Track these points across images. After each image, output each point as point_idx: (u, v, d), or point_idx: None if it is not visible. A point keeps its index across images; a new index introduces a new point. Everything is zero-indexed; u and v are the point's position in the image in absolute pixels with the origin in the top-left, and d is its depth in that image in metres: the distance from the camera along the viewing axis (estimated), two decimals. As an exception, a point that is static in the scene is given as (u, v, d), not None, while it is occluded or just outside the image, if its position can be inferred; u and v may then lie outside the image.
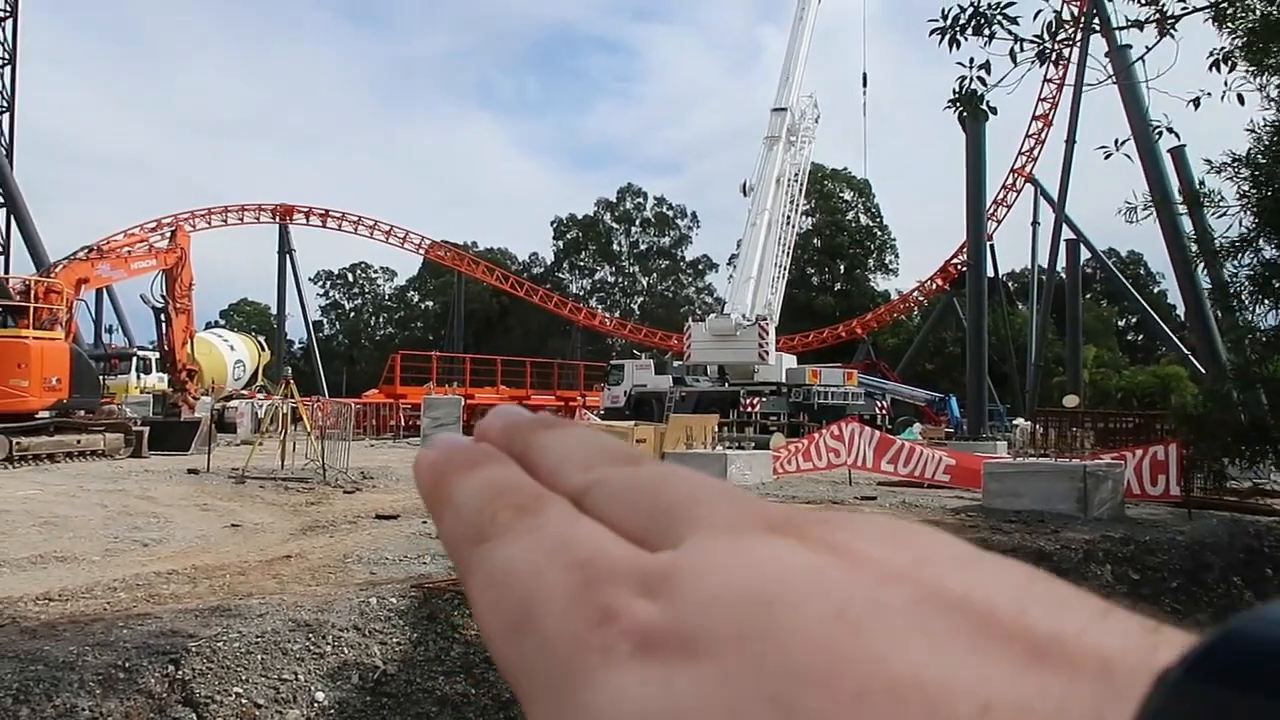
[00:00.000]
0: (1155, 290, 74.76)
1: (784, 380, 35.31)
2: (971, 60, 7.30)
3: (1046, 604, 0.26)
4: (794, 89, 38.85)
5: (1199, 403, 16.50)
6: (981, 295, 32.80)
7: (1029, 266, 53.43)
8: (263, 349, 48.22)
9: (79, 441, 21.28)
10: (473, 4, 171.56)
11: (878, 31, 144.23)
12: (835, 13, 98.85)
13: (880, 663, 0.25)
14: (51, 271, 24.04)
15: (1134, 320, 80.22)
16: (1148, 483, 14.87)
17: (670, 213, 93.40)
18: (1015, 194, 55.28)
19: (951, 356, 64.73)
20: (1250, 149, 9.74)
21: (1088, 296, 64.65)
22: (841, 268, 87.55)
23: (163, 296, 26.67)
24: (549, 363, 52.99)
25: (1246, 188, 9.77)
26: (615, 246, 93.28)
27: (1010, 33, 7.20)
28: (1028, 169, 53.59)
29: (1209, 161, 12.46)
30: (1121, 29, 9.03)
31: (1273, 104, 9.79)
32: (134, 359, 39.14)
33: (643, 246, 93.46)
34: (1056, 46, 7.47)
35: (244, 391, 41.25)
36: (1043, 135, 53.38)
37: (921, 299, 63.96)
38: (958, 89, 7.51)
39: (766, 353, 34.73)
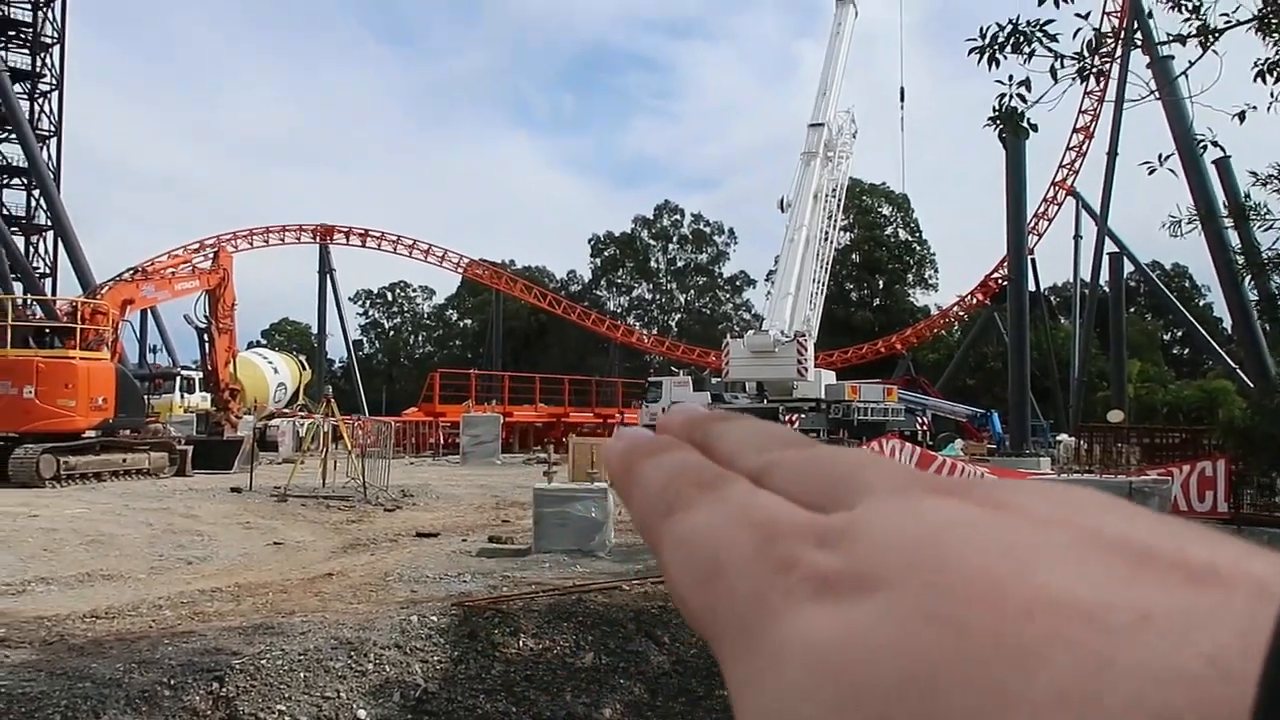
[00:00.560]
0: (1201, 303, 73.61)
1: (823, 396, 35.11)
2: (1011, 77, 7.25)
3: (1202, 542, 0.27)
4: (831, 104, 38.78)
5: (1247, 416, 16.24)
6: (1023, 309, 32.48)
7: (1071, 280, 52.87)
8: (304, 368, 48.72)
9: (124, 460, 21.55)
10: (509, 24, 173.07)
11: (916, 45, 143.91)
12: (872, 26, 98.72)
13: (1043, 586, 0.26)
14: (98, 293, 24.43)
15: (1179, 334, 79.02)
16: (1195, 499, 14.62)
17: (708, 229, 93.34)
18: (1056, 207, 54.71)
19: (993, 372, 64.07)
20: (1297, 161, 9.60)
21: (1131, 310, 63.89)
22: (880, 283, 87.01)
23: (206, 317, 27.00)
24: (587, 380, 53.07)
25: (1293, 201, 9.62)
26: (653, 263, 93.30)
27: (1050, 50, 7.14)
28: (1069, 182, 53.04)
29: (1254, 174, 12.30)
30: (1163, 43, 8.94)
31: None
32: (178, 378, 39.63)
33: (680, 263, 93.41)
34: (1097, 63, 7.40)
35: (286, 410, 41.65)
36: (1084, 148, 52.82)
37: (962, 314, 63.40)
38: (997, 107, 7.45)
39: (805, 369, 34.56)
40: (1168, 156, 8.59)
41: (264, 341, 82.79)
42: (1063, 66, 7.18)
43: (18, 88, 51.69)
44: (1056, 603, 0.26)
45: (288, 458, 27.80)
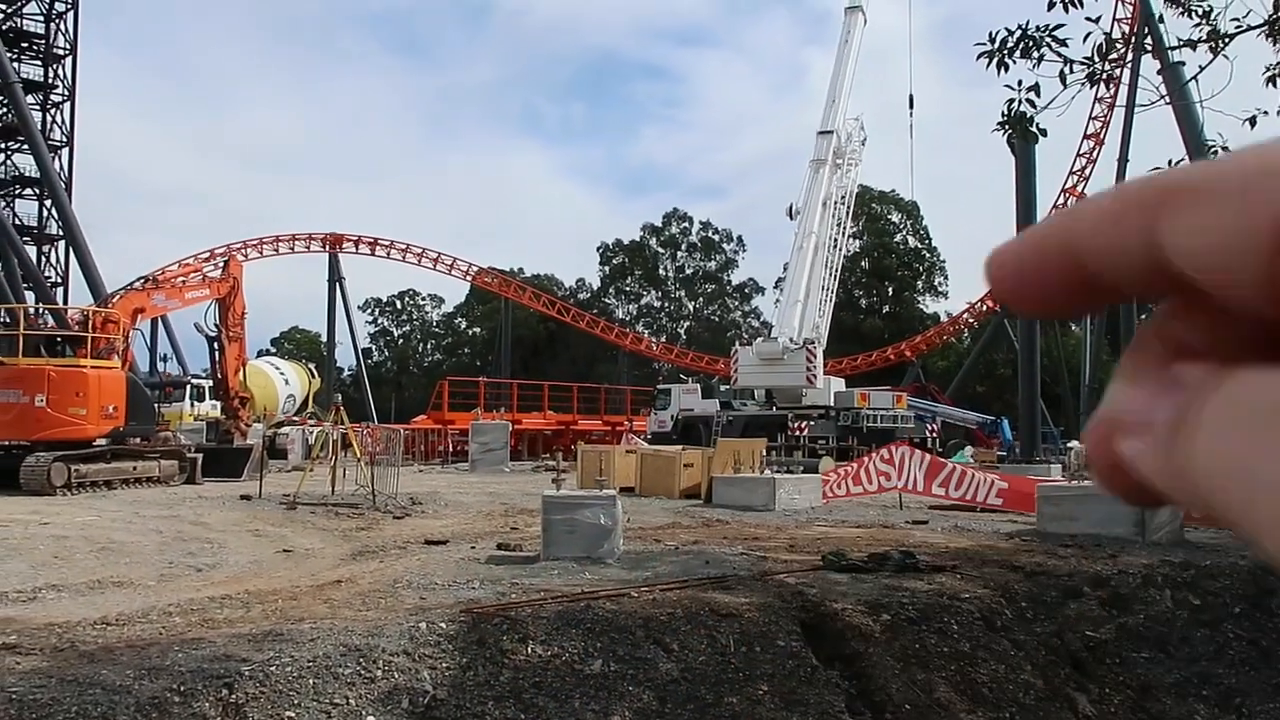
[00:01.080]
0: (1211, 310, 73.16)
1: (832, 404, 35.06)
2: (1020, 82, 7.24)
3: None
4: (840, 112, 38.78)
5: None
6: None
7: (1081, 287, 52.60)
8: (313, 376, 48.80)
9: (135, 468, 21.61)
10: (518, 34, 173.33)
11: (925, 53, 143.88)
12: (882, 34, 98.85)
13: None
14: (108, 302, 24.53)
15: (1190, 340, 78.79)
16: (1206, 504, 14.54)
17: (716, 237, 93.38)
18: (1066, 214, 54.55)
19: (1003, 379, 63.94)
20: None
21: (1142, 316, 63.52)
22: (890, 290, 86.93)
23: (216, 325, 27.07)
24: (596, 388, 53.08)
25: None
26: (661, 271, 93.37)
27: (1059, 55, 7.13)
28: (1079, 188, 52.91)
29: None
30: (1174, 49, 8.92)
31: (1331, 120, 9.59)
32: (188, 387, 39.77)
33: (689, 271, 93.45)
34: (1107, 68, 7.38)
35: (295, 418, 41.72)
36: (1094, 154, 52.76)
37: (972, 321, 63.28)
38: (1006, 111, 7.44)
39: (814, 376, 34.52)
40: (1178, 161, 8.56)
41: (274, 350, 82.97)
42: (1072, 71, 7.17)
43: (30, 99, 51.92)
44: None
45: (297, 465, 27.84)
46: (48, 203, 53.90)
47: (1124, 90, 35.64)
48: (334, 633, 6.79)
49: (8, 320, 31.29)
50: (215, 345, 27.35)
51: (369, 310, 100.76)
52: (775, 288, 79.61)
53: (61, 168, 54.66)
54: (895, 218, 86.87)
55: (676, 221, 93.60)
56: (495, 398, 45.14)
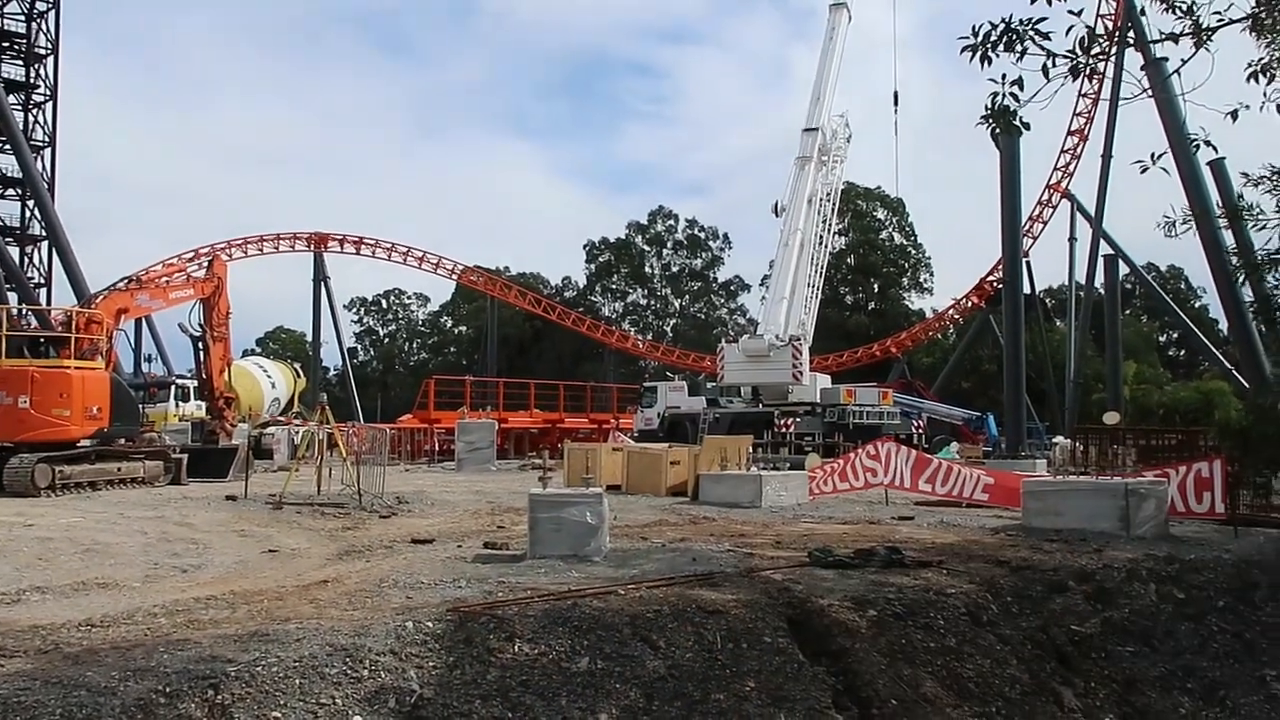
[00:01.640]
0: (1196, 304, 73.66)
1: (818, 400, 35.13)
2: (1004, 76, 7.24)
3: None
4: (825, 109, 38.84)
5: (1243, 417, 16.26)
6: (1018, 312, 32.45)
7: (1066, 282, 52.93)
8: (298, 376, 48.73)
9: (119, 469, 21.52)
10: (504, 32, 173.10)
11: (913, 49, 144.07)
12: (867, 31, 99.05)
13: None
14: (92, 302, 24.38)
15: (1175, 335, 79.24)
16: (1192, 500, 14.61)
17: (702, 234, 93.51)
18: (1051, 209, 54.84)
19: (988, 374, 64.17)
20: (1289, 161, 9.59)
21: (1127, 312, 63.91)
22: (875, 287, 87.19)
23: (200, 325, 26.95)
24: (582, 386, 53.13)
25: (1286, 200, 9.62)
26: (647, 269, 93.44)
27: (1042, 48, 7.14)
28: (1064, 184, 53.18)
29: (1246, 175, 12.32)
30: (1156, 42, 8.94)
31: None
32: (173, 387, 39.66)
33: (675, 268, 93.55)
34: (1090, 61, 7.40)
35: (280, 418, 41.62)
36: (1078, 150, 53.03)
37: (957, 317, 63.53)
38: (990, 105, 7.45)
39: (800, 373, 34.59)
40: (1160, 155, 8.59)
41: (259, 350, 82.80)
42: (1055, 65, 7.19)
43: (12, 98, 51.68)
44: None
45: (283, 465, 27.78)
46: (30, 203, 53.66)
47: (1108, 85, 35.76)
48: (320, 633, 6.76)
49: (-10, 321, 31.09)
50: (200, 345, 27.23)
51: (354, 309, 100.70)
52: (761, 285, 79.87)
53: (44, 168, 54.41)
54: (880, 214, 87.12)
55: (662, 219, 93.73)
56: (481, 396, 45.13)
